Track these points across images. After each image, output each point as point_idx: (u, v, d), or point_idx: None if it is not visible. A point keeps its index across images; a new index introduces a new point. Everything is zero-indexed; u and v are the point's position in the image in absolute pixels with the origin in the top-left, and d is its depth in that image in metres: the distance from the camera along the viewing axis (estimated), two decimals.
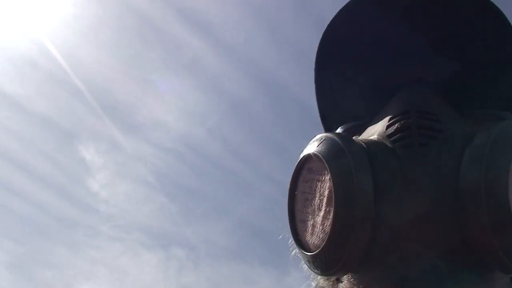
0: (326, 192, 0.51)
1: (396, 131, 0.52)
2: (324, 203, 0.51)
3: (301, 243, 0.53)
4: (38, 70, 6.07)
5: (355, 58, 0.64)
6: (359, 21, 0.62)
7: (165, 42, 6.04)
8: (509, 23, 0.59)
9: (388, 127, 0.53)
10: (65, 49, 5.68)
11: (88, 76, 6.13)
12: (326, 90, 0.67)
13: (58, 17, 5.53)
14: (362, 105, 0.63)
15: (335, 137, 0.53)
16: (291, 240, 0.55)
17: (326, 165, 0.51)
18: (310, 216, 0.53)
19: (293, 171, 0.56)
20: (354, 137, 0.55)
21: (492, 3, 0.59)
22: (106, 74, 6.28)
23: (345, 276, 0.53)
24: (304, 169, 0.56)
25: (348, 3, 0.62)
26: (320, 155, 0.52)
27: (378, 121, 0.56)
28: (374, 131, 0.55)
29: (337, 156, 0.51)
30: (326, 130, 0.68)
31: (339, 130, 0.64)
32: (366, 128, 0.58)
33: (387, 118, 0.54)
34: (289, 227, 0.55)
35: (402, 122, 0.53)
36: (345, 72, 0.65)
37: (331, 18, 0.62)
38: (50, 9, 5.39)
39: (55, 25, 5.54)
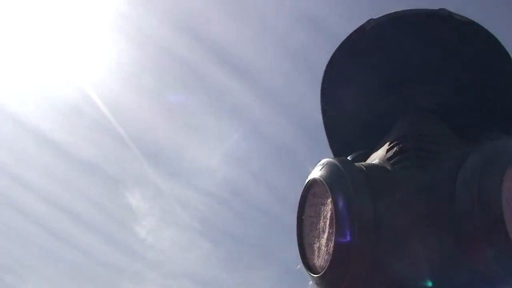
0: (329, 215, 0.54)
1: (395, 154, 0.56)
2: (327, 225, 0.54)
3: (309, 266, 0.56)
4: (83, 118, 6.19)
5: (358, 87, 0.68)
6: (361, 52, 0.66)
7: (207, 88, 6.09)
8: (504, 48, 0.63)
9: (388, 150, 0.57)
10: (108, 97, 5.80)
11: (131, 123, 6.22)
12: (332, 118, 0.71)
13: (101, 65, 5.65)
14: (366, 133, 0.66)
15: (336, 162, 0.57)
16: (299, 265, 0.58)
17: (328, 188, 0.54)
18: (316, 239, 0.56)
19: (300, 196, 0.59)
20: (356, 163, 0.58)
21: (486, 29, 0.63)
22: (149, 120, 6.37)
23: None
24: (309, 194, 0.59)
25: (351, 34, 0.66)
26: (322, 180, 0.55)
27: (380, 147, 0.60)
28: (375, 156, 0.59)
29: (337, 179, 0.54)
30: (334, 156, 0.72)
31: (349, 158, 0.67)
32: (370, 155, 0.61)
33: (388, 142, 0.58)
34: (298, 251, 0.58)
35: (400, 145, 0.56)
36: (348, 101, 0.68)
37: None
38: (94, 57, 5.52)
39: (99, 73, 5.67)
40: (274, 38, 5.53)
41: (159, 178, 6.73)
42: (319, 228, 0.56)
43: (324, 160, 0.59)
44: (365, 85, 0.68)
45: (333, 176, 0.55)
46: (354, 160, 0.64)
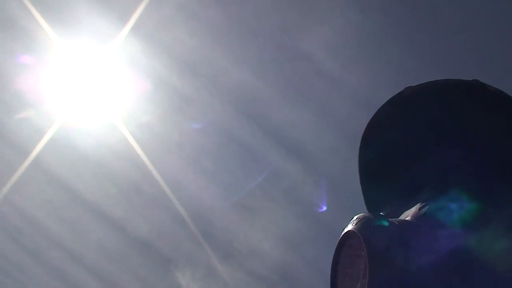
0: (363, 266, 0.55)
1: (426, 213, 0.59)
2: (361, 276, 0.55)
3: None
4: (141, 195, 6.25)
5: (393, 149, 0.71)
6: (398, 116, 0.70)
7: (263, 169, 6.09)
8: None
9: (420, 209, 0.59)
10: (168, 176, 5.86)
11: (188, 202, 6.24)
12: (367, 176, 0.74)
13: (163, 145, 5.74)
14: (398, 193, 0.69)
15: (371, 216, 0.59)
16: None
17: (363, 241, 0.56)
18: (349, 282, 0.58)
19: (335, 247, 0.62)
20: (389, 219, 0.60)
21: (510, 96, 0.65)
22: (206, 200, 6.39)
23: None
24: (345, 245, 0.61)
25: (390, 99, 0.70)
26: (358, 232, 0.57)
27: (412, 206, 0.62)
28: (408, 214, 0.61)
29: (371, 233, 0.57)
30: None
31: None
32: (401, 212, 0.63)
33: (420, 202, 0.60)
34: None
35: (429, 205, 0.59)
36: (383, 161, 0.72)
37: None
38: (156, 136, 5.61)
39: (160, 152, 5.75)
40: (333, 123, 5.54)
41: (211, 259, 6.68)
42: (353, 278, 0.58)
43: (359, 215, 0.61)
44: (400, 147, 0.71)
45: (368, 229, 0.58)
46: (387, 215, 0.66)
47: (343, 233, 0.62)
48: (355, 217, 0.61)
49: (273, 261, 6.69)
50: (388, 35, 5.07)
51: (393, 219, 0.60)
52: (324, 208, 5.72)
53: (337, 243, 0.63)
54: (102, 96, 5.36)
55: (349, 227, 0.61)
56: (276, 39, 5.27)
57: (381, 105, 0.72)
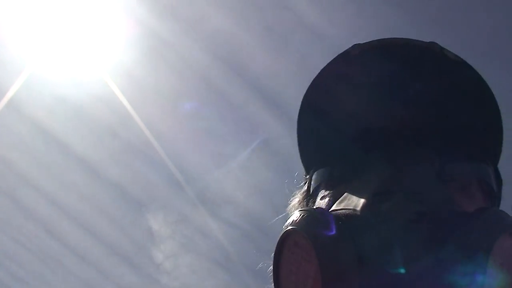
0: (312, 274, 0.53)
1: (379, 209, 0.54)
2: (308, 283, 0.53)
3: None
4: (116, 139, 6.21)
5: (338, 107, 0.67)
6: (344, 77, 0.66)
7: (241, 120, 6.10)
8: (490, 90, 0.63)
9: (371, 205, 0.55)
10: (144, 120, 5.82)
11: (163, 147, 6.23)
12: (307, 135, 0.70)
13: (140, 91, 5.69)
14: (341, 152, 0.65)
15: (315, 214, 0.56)
16: None
17: (313, 248, 0.53)
18: (295, 286, 0.55)
19: (277, 241, 0.58)
20: (333, 208, 0.57)
21: (474, 70, 0.63)
22: (181, 146, 6.38)
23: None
24: (289, 242, 0.57)
25: (335, 58, 0.66)
26: (305, 234, 0.54)
27: (360, 189, 0.57)
28: (356, 203, 0.56)
29: (321, 240, 0.53)
30: (305, 171, 0.72)
31: (314, 177, 0.67)
32: (345, 190, 0.59)
33: (371, 193, 0.55)
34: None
35: (385, 202, 0.54)
36: (326, 119, 0.67)
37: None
38: (133, 79, 5.56)
39: (137, 96, 5.71)
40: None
41: (183, 204, 6.73)
42: (298, 279, 0.55)
43: (300, 210, 0.58)
44: (345, 109, 0.67)
45: (315, 229, 0.54)
46: (324, 186, 0.64)
47: (285, 230, 0.58)
48: (295, 213, 0.59)
49: (246, 210, 6.76)
50: None
51: (339, 212, 0.57)
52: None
53: (278, 239, 0.59)
54: (80, 36, 5.26)
55: (293, 224, 0.57)
56: None
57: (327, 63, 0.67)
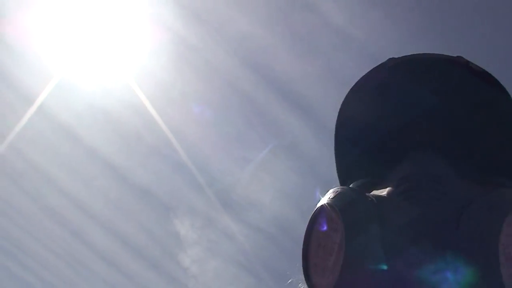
0: (338, 240, 0.56)
1: (405, 190, 0.58)
2: (335, 250, 0.56)
3: (311, 284, 0.59)
4: (143, 143, 6.27)
5: (372, 120, 0.71)
6: (379, 87, 0.70)
7: (266, 123, 6.10)
8: (509, 95, 0.67)
9: (398, 186, 0.59)
10: (170, 124, 5.86)
11: (190, 152, 6.26)
12: (343, 148, 0.74)
13: (165, 93, 5.74)
14: (373, 165, 0.69)
15: (348, 191, 0.60)
16: (302, 281, 0.61)
17: (340, 215, 0.56)
18: (322, 260, 0.58)
19: (309, 218, 0.61)
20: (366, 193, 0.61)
21: (497, 80, 0.67)
22: (208, 151, 6.40)
23: None
24: (320, 217, 0.61)
25: (372, 70, 0.70)
26: (334, 206, 0.58)
27: (389, 181, 0.62)
28: (385, 190, 0.61)
29: (349, 208, 0.57)
30: (341, 184, 0.74)
31: (352, 185, 0.69)
32: (377, 187, 0.63)
33: (397, 179, 0.60)
34: (302, 268, 0.61)
35: (411, 183, 0.59)
36: (359, 134, 0.72)
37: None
38: (159, 84, 5.60)
39: (163, 101, 5.75)
40: (338, 78, 5.53)
41: (210, 209, 6.75)
42: (327, 251, 0.58)
43: (336, 188, 0.61)
44: (379, 119, 0.71)
45: (345, 204, 0.58)
46: (360, 187, 0.67)
47: (318, 206, 0.61)
48: (330, 191, 0.62)
49: (271, 214, 6.77)
50: None
51: (370, 194, 0.61)
52: None
53: (310, 216, 0.62)
54: (107, 43, 5.32)
55: (325, 200, 0.60)
56: None
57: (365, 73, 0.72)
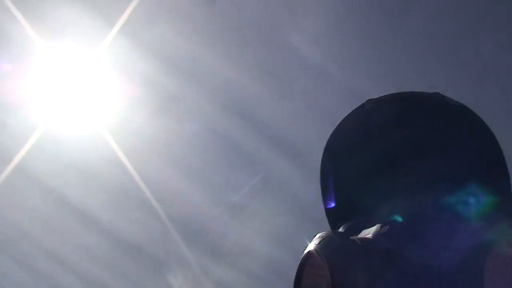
0: (325, 285, 0.58)
1: (388, 230, 0.61)
2: None
3: None
4: (128, 199, 6.20)
5: (355, 162, 0.73)
6: (360, 129, 0.73)
7: (253, 166, 6.09)
8: (489, 131, 0.69)
9: (381, 227, 0.62)
10: (153, 178, 5.82)
11: (176, 204, 6.22)
12: (329, 190, 0.77)
13: (148, 146, 5.73)
14: (361, 205, 0.71)
15: (332, 235, 0.63)
16: None
17: (325, 261, 0.58)
18: None
19: (298, 265, 0.64)
20: (351, 237, 0.63)
21: (474, 113, 0.69)
22: (193, 201, 6.36)
23: None
24: (307, 264, 0.63)
25: (352, 112, 0.73)
26: (319, 252, 0.60)
27: (373, 223, 0.64)
28: (369, 231, 0.63)
29: (334, 254, 0.59)
30: (330, 225, 0.78)
31: (340, 228, 0.72)
32: (366, 227, 0.65)
33: (381, 220, 0.63)
34: None
35: (393, 223, 0.61)
36: (345, 175, 0.75)
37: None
38: (141, 137, 5.58)
39: (145, 154, 5.73)
40: (320, 115, 5.54)
41: (202, 260, 6.65)
42: None
43: (321, 234, 0.63)
44: (361, 160, 0.74)
45: (330, 249, 0.60)
46: (347, 232, 0.68)
47: (304, 253, 0.64)
48: (317, 236, 0.64)
49: (265, 259, 6.68)
50: (375, 24, 5.06)
51: (355, 237, 0.62)
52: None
53: (299, 262, 0.65)
54: (87, 100, 5.28)
55: (311, 246, 0.63)
56: (261, 34, 5.24)
57: (344, 116, 0.75)
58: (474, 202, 0.62)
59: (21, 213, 6.50)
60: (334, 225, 0.77)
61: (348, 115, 0.74)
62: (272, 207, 6.31)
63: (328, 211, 0.78)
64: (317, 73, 5.29)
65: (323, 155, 0.77)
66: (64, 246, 6.72)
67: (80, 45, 4.88)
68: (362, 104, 0.73)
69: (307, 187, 5.99)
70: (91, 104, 5.33)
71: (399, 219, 0.62)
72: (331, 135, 0.75)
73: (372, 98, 0.72)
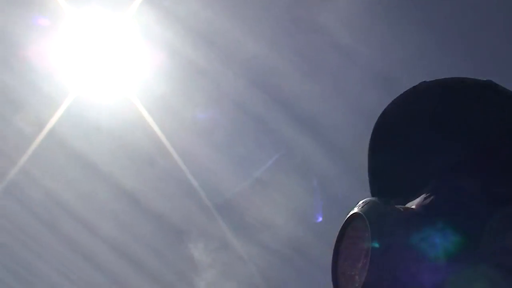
0: (365, 247, 0.58)
1: (431, 202, 0.61)
2: (362, 256, 0.58)
3: None
4: (156, 168, 6.28)
5: (404, 142, 0.74)
6: (411, 110, 0.73)
7: (278, 144, 6.10)
8: None
9: (425, 199, 0.62)
10: (182, 149, 5.88)
11: (202, 175, 6.27)
12: (376, 166, 0.77)
13: (177, 118, 5.75)
14: (405, 185, 0.71)
15: (377, 201, 0.62)
16: None
17: (368, 224, 0.58)
18: (349, 268, 0.61)
19: (339, 228, 0.64)
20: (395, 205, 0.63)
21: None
22: (219, 174, 6.42)
23: None
24: (349, 226, 0.64)
25: (404, 92, 0.73)
26: (363, 215, 0.60)
27: (417, 196, 0.64)
28: (413, 203, 0.63)
29: (377, 217, 0.59)
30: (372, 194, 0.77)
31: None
32: (407, 202, 0.65)
33: (425, 193, 0.63)
34: (331, 278, 0.64)
35: (436, 196, 0.62)
36: (392, 154, 0.75)
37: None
38: (170, 110, 5.63)
39: (174, 126, 5.76)
40: (346, 97, 5.52)
41: (224, 232, 6.72)
42: (354, 258, 0.60)
43: (366, 199, 0.64)
44: (410, 141, 0.74)
45: (374, 214, 0.60)
46: (393, 203, 0.68)
47: (348, 215, 0.64)
48: (361, 201, 0.63)
49: (285, 236, 6.72)
50: (404, 8, 5.01)
51: (399, 206, 0.62)
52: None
53: (342, 224, 0.64)
54: (116, 68, 5.37)
55: (355, 209, 0.63)
56: (291, 11, 5.23)
57: (395, 96, 0.74)
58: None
59: (51, 176, 6.67)
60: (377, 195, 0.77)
61: (401, 95, 0.73)
62: (294, 184, 6.34)
63: (374, 179, 0.78)
64: (345, 54, 5.27)
65: (373, 132, 0.76)
66: (90, 210, 6.88)
67: (110, 12, 4.96)
68: (415, 86, 0.73)
69: (331, 166, 6.02)
70: (121, 72, 5.42)
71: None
72: (381, 114, 0.74)
73: (425, 81, 0.72)
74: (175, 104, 5.65)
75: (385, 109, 0.74)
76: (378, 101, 5.53)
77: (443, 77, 0.73)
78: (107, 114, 5.83)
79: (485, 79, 0.71)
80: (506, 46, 4.66)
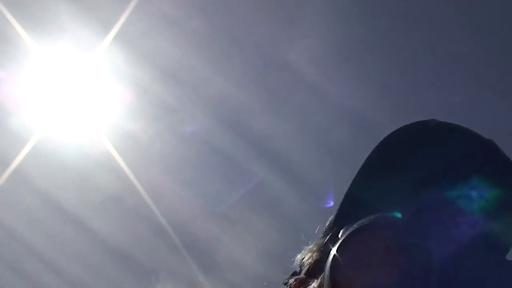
0: (382, 247, 0.59)
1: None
2: (377, 264, 0.58)
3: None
4: (123, 207, 6.20)
5: (392, 173, 0.72)
6: (415, 144, 0.72)
7: (245, 181, 6.08)
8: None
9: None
10: (149, 187, 5.82)
11: (169, 214, 6.20)
12: (359, 190, 0.75)
13: (145, 155, 5.72)
14: (367, 203, 0.69)
15: (383, 213, 0.63)
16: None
17: (385, 228, 0.61)
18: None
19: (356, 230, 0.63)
20: None
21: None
22: (187, 212, 6.36)
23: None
24: (365, 234, 0.62)
25: (413, 124, 0.72)
26: (380, 222, 0.61)
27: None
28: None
29: (388, 224, 0.61)
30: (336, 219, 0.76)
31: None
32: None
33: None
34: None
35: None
36: (382, 182, 0.72)
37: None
38: (138, 147, 5.60)
39: (142, 163, 5.72)
40: (314, 134, 5.55)
41: (192, 271, 6.63)
42: (371, 267, 0.60)
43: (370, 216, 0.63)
44: (404, 174, 0.73)
45: (384, 221, 0.62)
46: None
47: (357, 226, 0.64)
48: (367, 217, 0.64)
49: (255, 275, 6.66)
50: (370, 46, 5.11)
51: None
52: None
53: (351, 231, 0.64)
54: (84, 106, 5.33)
55: (366, 221, 0.63)
56: (259, 49, 5.29)
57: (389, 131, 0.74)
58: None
59: (15, 216, 6.53)
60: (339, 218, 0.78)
61: (413, 123, 0.74)
62: (263, 222, 6.31)
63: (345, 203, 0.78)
64: (312, 91, 5.33)
65: (377, 151, 0.76)
66: (56, 250, 6.74)
67: (77, 50, 4.95)
68: (426, 120, 0.73)
69: (300, 203, 6.02)
70: (88, 110, 5.38)
71: (399, 215, 0.64)
72: (386, 139, 0.75)
73: (435, 120, 0.73)
74: (143, 141, 5.63)
75: (394, 134, 0.74)
76: (346, 138, 5.59)
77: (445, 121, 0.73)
78: (74, 152, 5.75)
79: (488, 138, 0.72)
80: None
